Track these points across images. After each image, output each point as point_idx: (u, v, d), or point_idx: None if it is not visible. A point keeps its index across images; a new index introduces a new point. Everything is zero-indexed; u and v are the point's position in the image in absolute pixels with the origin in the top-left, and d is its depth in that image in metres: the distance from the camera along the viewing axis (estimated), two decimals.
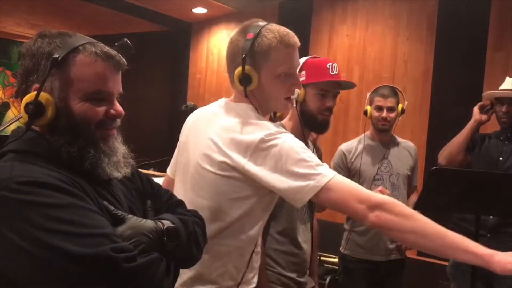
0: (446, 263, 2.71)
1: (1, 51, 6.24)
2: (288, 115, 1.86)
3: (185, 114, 2.60)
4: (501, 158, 2.53)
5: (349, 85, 1.88)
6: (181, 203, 1.20)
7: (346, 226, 2.65)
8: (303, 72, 1.78)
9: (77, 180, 0.93)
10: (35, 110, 0.92)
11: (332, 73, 1.77)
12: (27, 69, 0.96)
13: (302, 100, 1.77)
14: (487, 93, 2.63)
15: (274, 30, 1.37)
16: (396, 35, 3.95)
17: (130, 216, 0.97)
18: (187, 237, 1.03)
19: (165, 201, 1.17)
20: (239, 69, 1.34)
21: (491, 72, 3.48)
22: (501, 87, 2.58)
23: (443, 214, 3.03)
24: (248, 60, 1.33)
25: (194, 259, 1.10)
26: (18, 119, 1.04)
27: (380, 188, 2.31)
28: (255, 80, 1.34)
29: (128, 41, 1.87)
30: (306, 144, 1.65)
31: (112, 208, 0.97)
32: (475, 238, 2.12)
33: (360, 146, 2.58)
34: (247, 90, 1.36)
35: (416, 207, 2.28)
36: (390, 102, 2.50)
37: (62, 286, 0.83)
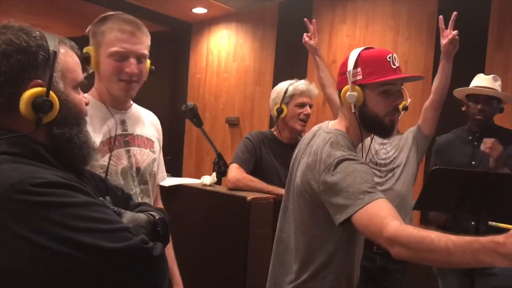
0: None
1: None
2: (338, 118, 1.60)
3: (185, 114, 2.60)
4: (473, 162, 2.49)
5: (413, 78, 1.67)
6: (130, 196, 1.25)
7: None
8: (359, 69, 1.49)
9: (75, 178, 0.93)
10: (48, 106, 0.91)
11: (394, 67, 1.50)
12: (20, 65, 0.91)
13: (362, 103, 1.49)
14: (460, 90, 2.57)
15: (115, 18, 1.48)
16: (396, 35, 3.94)
17: (123, 210, 1.01)
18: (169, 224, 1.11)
19: (120, 196, 1.19)
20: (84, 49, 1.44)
21: (491, 72, 3.45)
22: (475, 84, 2.54)
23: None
24: (90, 41, 1.47)
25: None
26: None
27: None
28: (94, 58, 1.46)
29: None
30: (355, 149, 1.53)
31: (109, 203, 0.98)
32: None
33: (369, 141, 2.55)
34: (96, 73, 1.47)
35: (416, 207, 2.28)
36: None
37: (97, 282, 0.83)
